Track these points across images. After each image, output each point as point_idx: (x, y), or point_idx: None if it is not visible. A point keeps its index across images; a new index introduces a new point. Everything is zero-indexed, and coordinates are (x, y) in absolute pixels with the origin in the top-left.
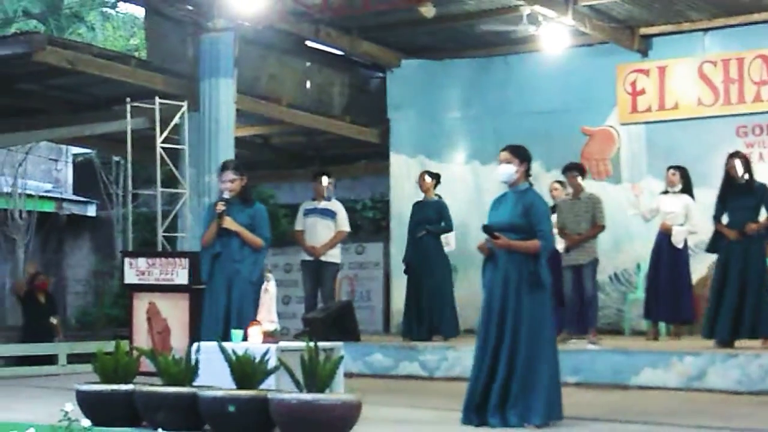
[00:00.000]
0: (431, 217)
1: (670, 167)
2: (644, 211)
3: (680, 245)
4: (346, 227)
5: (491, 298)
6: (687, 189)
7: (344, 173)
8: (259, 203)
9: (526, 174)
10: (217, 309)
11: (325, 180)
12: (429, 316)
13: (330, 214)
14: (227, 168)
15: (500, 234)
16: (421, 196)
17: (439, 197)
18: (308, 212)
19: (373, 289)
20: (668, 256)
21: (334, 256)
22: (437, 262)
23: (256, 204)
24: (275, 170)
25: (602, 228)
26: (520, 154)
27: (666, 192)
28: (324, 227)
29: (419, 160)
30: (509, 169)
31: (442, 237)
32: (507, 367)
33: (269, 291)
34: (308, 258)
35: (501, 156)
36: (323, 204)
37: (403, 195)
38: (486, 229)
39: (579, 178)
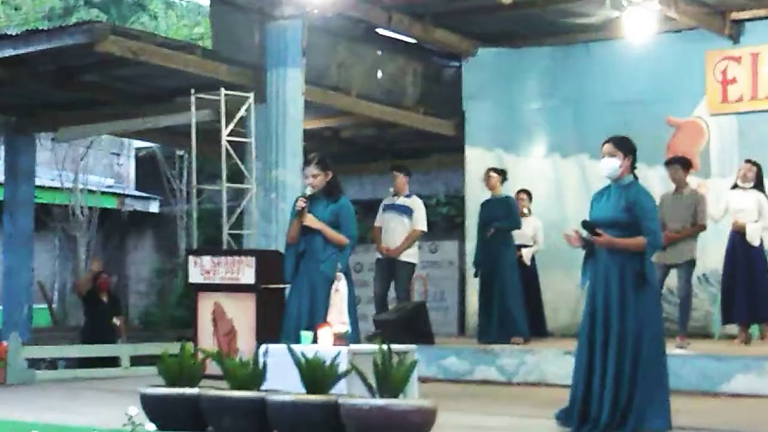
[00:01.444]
0: (499, 216)
1: (748, 161)
2: (712, 212)
3: (756, 242)
4: (422, 226)
5: (594, 299)
6: (759, 185)
7: (417, 167)
8: (345, 198)
9: (631, 167)
10: (300, 310)
11: (398, 176)
12: (504, 317)
13: (406, 211)
14: (310, 162)
15: (602, 231)
16: (489, 194)
17: (507, 196)
18: (386, 208)
19: (448, 289)
20: (743, 255)
21: (410, 255)
22: (506, 261)
23: (341, 199)
24: (344, 164)
25: (702, 227)
26: (624, 147)
27: (735, 187)
28: (398, 224)
29: (496, 153)
30: (613, 163)
31: (524, 251)
32: (615, 372)
33: (340, 291)
34: (381, 257)
35: (604, 149)
36: (401, 200)
37: (480, 190)
38: (586, 224)
39: (682, 172)
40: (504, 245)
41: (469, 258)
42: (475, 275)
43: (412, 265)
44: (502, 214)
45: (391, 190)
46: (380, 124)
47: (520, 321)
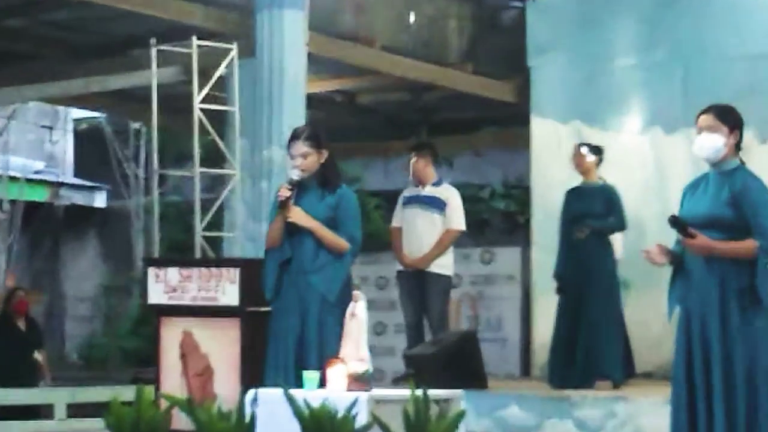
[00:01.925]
0: (595, 209)
1: None
2: None
3: None
4: (459, 224)
5: (687, 329)
6: None
7: (463, 146)
8: (347, 188)
9: (737, 147)
10: (286, 340)
11: (419, 158)
12: (592, 352)
13: (437, 205)
14: (298, 137)
15: (697, 231)
16: (577, 180)
17: (605, 183)
18: (408, 201)
19: (507, 314)
20: None
21: (443, 265)
22: (603, 275)
23: (341, 189)
24: (364, 142)
25: None
26: (729, 120)
27: None
28: (427, 223)
29: (574, 127)
30: (713, 141)
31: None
32: (726, 423)
33: (357, 316)
34: (403, 269)
35: (700, 121)
36: (429, 190)
37: (550, 177)
38: (676, 222)
39: None
40: (600, 253)
41: (537, 271)
42: (559, 291)
43: (447, 279)
44: (600, 208)
45: (411, 179)
46: (413, 86)
47: (612, 359)
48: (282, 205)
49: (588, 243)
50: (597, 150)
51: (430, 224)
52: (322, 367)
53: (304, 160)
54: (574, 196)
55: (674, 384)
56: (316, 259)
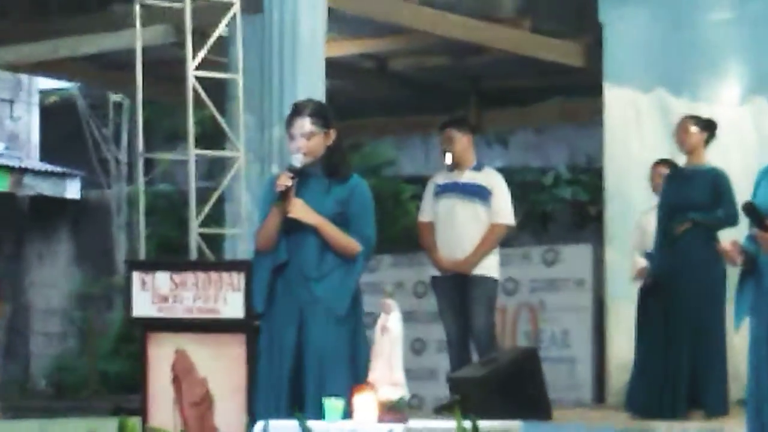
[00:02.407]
0: (700, 198)
1: None
2: None
3: None
4: (508, 217)
5: (757, 345)
6: None
7: (520, 121)
8: (359, 177)
9: None
10: (281, 363)
11: (454, 135)
12: (689, 376)
13: (480, 193)
14: (301, 113)
15: None
16: (668, 161)
17: (714, 168)
18: (442, 190)
19: (575, 327)
20: None
21: (487, 266)
22: (707, 280)
23: (352, 179)
24: (398, 117)
25: None
26: None
27: None
28: (469, 217)
29: (656, 96)
30: None
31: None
32: None
33: (390, 331)
34: (440, 274)
35: None
36: (468, 176)
37: (628, 159)
38: (751, 210)
39: None
40: (705, 253)
41: (614, 274)
42: (643, 296)
43: (492, 283)
44: (706, 197)
45: (447, 161)
46: (458, 48)
47: (717, 385)
48: (282, 197)
49: (689, 240)
50: (708, 125)
51: (472, 218)
52: (345, 394)
53: (308, 141)
54: (674, 181)
55: (747, 412)
56: (320, 264)
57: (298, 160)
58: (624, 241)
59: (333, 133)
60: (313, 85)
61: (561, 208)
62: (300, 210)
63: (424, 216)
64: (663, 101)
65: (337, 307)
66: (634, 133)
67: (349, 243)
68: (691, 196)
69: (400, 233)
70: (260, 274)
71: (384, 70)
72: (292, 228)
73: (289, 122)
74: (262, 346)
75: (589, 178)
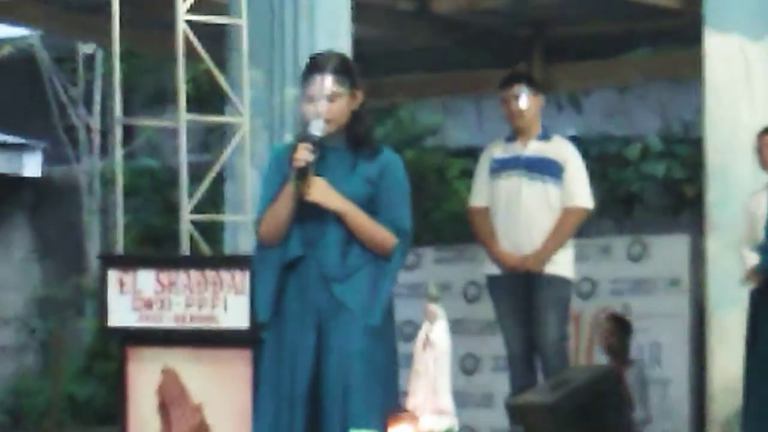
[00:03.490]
0: None
1: None
2: None
3: None
4: (585, 198)
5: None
6: None
7: (598, 78)
8: (390, 150)
9: None
10: (293, 386)
11: (520, 92)
12: None
13: (550, 169)
14: (321, 68)
15: None
16: None
17: None
18: (502, 166)
19: (668, 340)
20: None
21: (559, 262)
22: None
23: (383, 153)
24: (443, 72)
25: None
26: None
27: None
28: (536, 199)
29: None
30: None
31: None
32: None
33: (435, 345)
34: (499, 272)
35: None
36: (534, 147)
37: (735, 125)
38: None
39: None
40: None
41: (716, 271)
42: (754, 303)
43: (566, 284)
44: None
45: (513, 128)
46: None
47: None
48: (300, 176)
49: None
50: None
51: (541, 200)
52: (375, 425)
53: (331, 104)
54: None
55: None
56: (345, 261)
57: (318, 128)
58: (730, 230)
59: (360, 95)
60: (337, 33)
61: (650, 189)
62: (322, 192)
63: (478, 199)
64: None
65: (368, 316)
66: (743, 93)
67: (382, 234)
68: None
69: (446, 220)
70: (265, 274)
71: (425, 13)
72: (307, 214)
73: (307, 80)
74: (265, 364)
75: (686, 150)
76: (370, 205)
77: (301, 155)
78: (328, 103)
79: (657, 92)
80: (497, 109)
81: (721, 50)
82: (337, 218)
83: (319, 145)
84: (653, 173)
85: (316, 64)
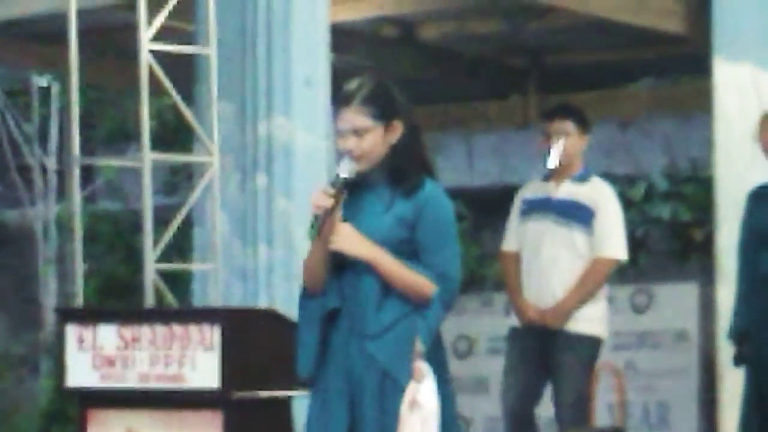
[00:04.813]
0: None
1: None
2: None
3: None
4: (617, 249)
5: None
6: None
7: (599, 110)
8: (433, 185)
9: None
10: None
11: (563, 127)
12: None
13: (576, 214)
14: (348, 100)
15: None
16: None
17: None
18: (532, 207)
19: (676, 399)
20: None
21: (587, 318)
22: None
23: (423, 189)
24: (430, 105)
25: None
26: None
27: None
28: (560, 247)
29: None
30: None
31: None
32: None
33: (422, 406)
34: (519, 324)
35: None
36: (567, 190)
37: (748, 163)
38: None
39: None
40: None
41: (726, 322)
42: (736, 363)
43: (595, 343)
44: None
45: (551, 163)
46: (513, 10)
47: None
48: (320, 224)
49: None
50: None
51: (566, 248)
52: None
53: (360, 140)
54: (762, 199)
55: None
56: (379, 314)
57: (345, 169)
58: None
59: (399, 126)
60: (314, 62)
61: (655, 233)
62: (347, 241)
63: (508, 244)
64: None
65: (399, 376)
66: (756, 127)
67: (419, 283)
68: None
69: None
70: (307, 325)
71: (411, 40)
72: (344, 264)
73: (335, 114)
74: (311, 426)
75: (694, 190)
76: (409, 248)
77: (317, 200)
78: (355, 139)
79: (662, 126)
80: (489, 147)
81: (732, 80)
82: (368, 268)
83: (348, 187)
84: (658, 215)
85: (341, 95)
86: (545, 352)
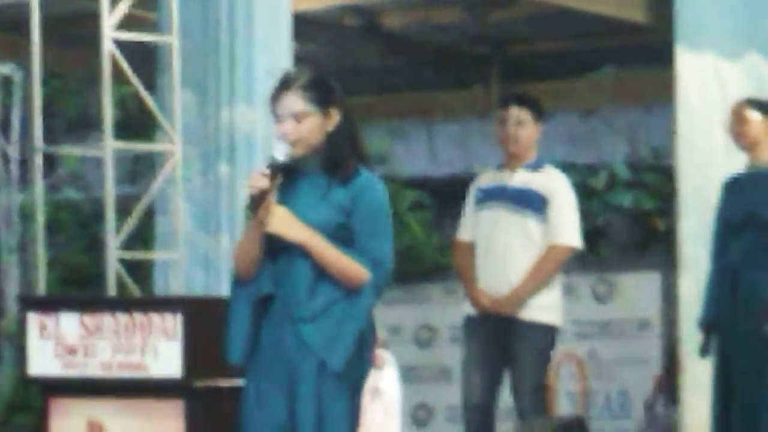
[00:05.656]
0: None
1: None
2: None
3: None
4: (571, 236)
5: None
6: None
7: (559, 99)
8: (369, 174)
9: None
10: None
11: (527, 117)
12: None
13: (530, 202)
14: (289, 85)
15: None
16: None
17: None
18: (487, 196)
19: (636, 388)
20: None
21: (544, 306)
22: None
23: (359, 177)
24: (393, 93)
25: None
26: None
27: None
28: (515, 235)
29: (748, 65)
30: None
31: None
32: None
33: (384, 394)
34: (475, 313)
35: None
36: (521, 178)
37: (709, 151)
38: None
39: None
40: None
41: (691, 312)
42: (702, 353)
43: (551, 332)
44: None
45: (505, 155)
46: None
47: None
48: (256, 205)
49: (754, 271)
50: None
51: (521, 236)
52: None
53: (298, 125)
54: (734, 190)
55: None
56: (312, 298)
57: (281, 152)
58: (705, 267)
59: (336, 114)
60: (277, 50)
61: (617, 222)
62: (281, 223)
63: (463, 233)
64: (756, 70)
65: (333, 359)
66: (718, 117)
67: (353, 268)
68: (757, 208)
69: (397, 257)
70: (238, 312)
71: (374, 29)
72: (278, 249)
73: (274, 98)
74: (246, 415)
75: (656, 179)
76: (345, 234)
77: (254, 182)
78: (294, 123)
79: (624, 116)
80: (451, 136)
81: (694, 70)
82: (304, 253)
83: (284, 170)
84: (620, 204)
85: (284, 81)
86: (502, 342)
